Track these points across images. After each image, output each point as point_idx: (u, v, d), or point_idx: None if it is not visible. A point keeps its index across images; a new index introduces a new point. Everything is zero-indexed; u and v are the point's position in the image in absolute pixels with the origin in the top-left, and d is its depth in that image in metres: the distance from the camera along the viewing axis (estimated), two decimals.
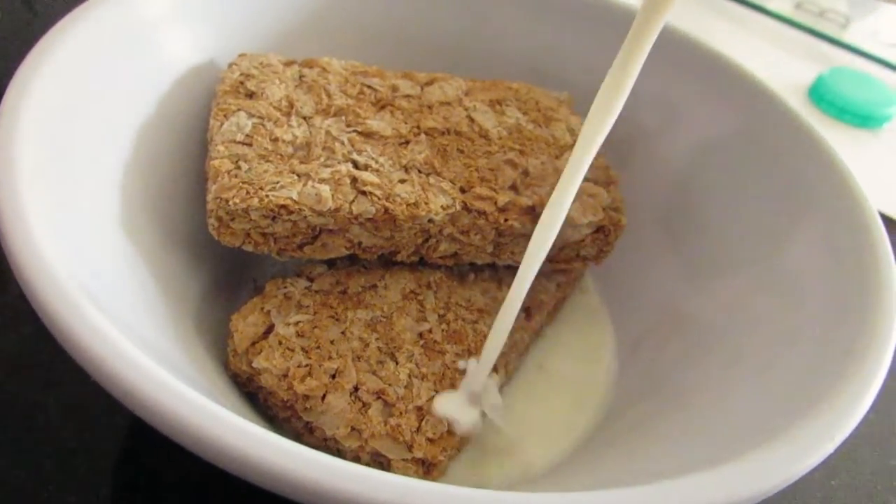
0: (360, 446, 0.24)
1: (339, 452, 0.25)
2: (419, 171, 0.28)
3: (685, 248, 0.32)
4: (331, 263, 0.29)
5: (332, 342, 0.26)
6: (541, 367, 0.31)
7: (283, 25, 0.33)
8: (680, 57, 0.33)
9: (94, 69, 0.26)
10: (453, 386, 0.26)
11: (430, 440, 0.25)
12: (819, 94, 0.55)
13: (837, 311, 0.23)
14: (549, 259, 0.29)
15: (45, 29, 0.25)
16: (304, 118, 0.28)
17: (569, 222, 0.28)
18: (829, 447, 0.19)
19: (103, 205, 0.24)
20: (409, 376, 0.26)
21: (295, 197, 0.25)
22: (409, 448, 0.24)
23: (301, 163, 0.26)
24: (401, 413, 0.25)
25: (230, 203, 0.25)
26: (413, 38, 0.36)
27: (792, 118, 0.30)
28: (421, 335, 0.27)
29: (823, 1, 0.66)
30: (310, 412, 0.25)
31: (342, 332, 0.26)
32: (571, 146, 0.31)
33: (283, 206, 0.25)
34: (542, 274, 0.31)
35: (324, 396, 0.25)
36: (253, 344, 0.26)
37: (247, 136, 0.27)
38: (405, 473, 0.24)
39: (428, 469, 0.25)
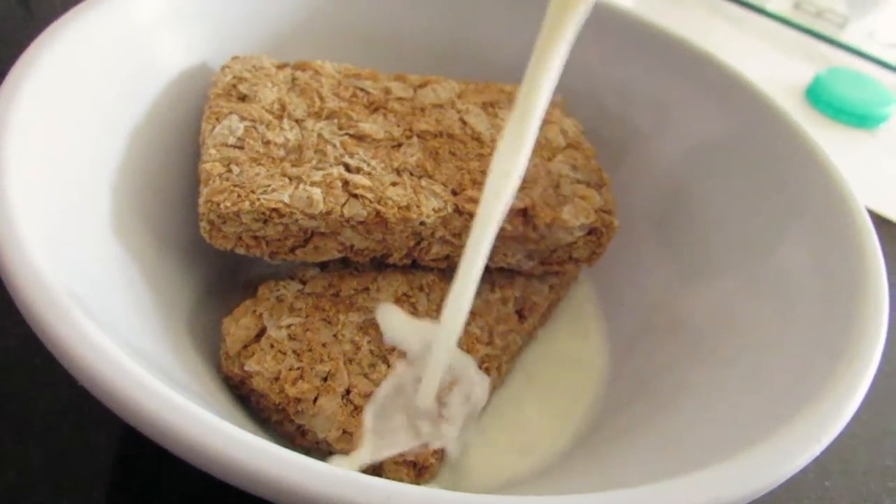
0: (351, 449, 0.24)
1: (331, 455, 0.25)
2: (411, 174, 0.28)
3: (677, 250, 0.32)
4: (323, 266, 0.29)
5: (324, 345, 0.26)
6: (532, 370, 0.31)
7: (276, 28, 0.33)
8: (672, 59, 0.33)
9: (86, 72, 0.26)
10: (449, 390, 0.26)
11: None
12: (816, 95, 0.55)
13: (826, 313, 0.23)
14: (542, 261, 0.30)
15: (42, 29, 0.25)
16: (297, 121, 0.28)
17: (561, 225, 0.28)
18: (816, 449, 0.19)
19: (94, 208, 0.24)
20: None
21: (286, 200, 0.25)
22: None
23: (293, 166, 0.26)
24: None
25: (221, 206, 0.25)
26: (406, 41, 0.36)
27: (784, 121, 0.30)
28: None
29: (821, 1, 0.65)
30: (301, 415, 0.25)
31: (334, 335, 0.26)
32: (565, 148, 0.31)
33: (275, 210, 0.25)
34: (535, 276, 0.31)
35: (315, 399, 0.25)
36: (245, 347, 0.26)
37: (239, 139, 0.27)
38: (397, 476, 0.25)
39: (419, 472, 0.25)
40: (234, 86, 0.29)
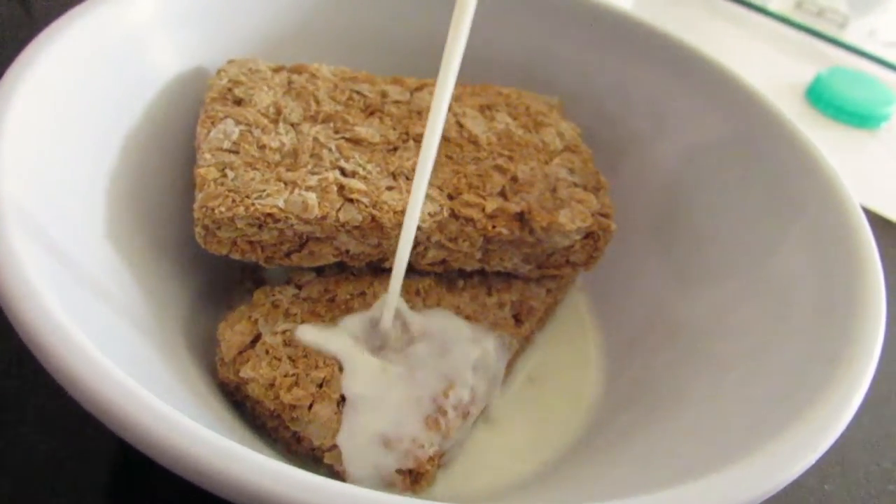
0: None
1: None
2: (407, 178, 0.27)
3: (674, 254, 0.32)
4: (319, 270, 0.28)
5: (319, 351, 0.26)
6: (529, 375, 0.30)
7: (272, 30, 0.33)
8: (671, 62, 0.33)
9: (82, 76, 0.26)
10: (444, 396, 0.26)
11: None
12: (817, 94, 0.55)
13: (823, 319, 0.23)
14: (539, 265, 0.29)
15: (42, 30, 0.25)
16: (292, 125, 0.28)
17: (558, 228, 0.28)
18: (813, 457, 0.19)
19: (88, 212, 0.24)
20: None
21: (281, 205, 0.25)
22: (397, 458, 0.24)
23: (288, 170, 0.26)
24: None
25: (216, 212, 0.25)
26: (403, 43, 0.35)
27: (783, 125, 0.30)
28: None
29: (823, 0, 0.65)
30: (297, 422, 0.25)
31: None
32: (562, 151, 0.31)
33: (270, 215, 0.25)
34: (532, 280, 0.31)
35: (311, 406, 0.25)
36: (240, 353, 0.26)
37: (234, 143, 0.27)
38: (393, 483, 0.24)
39: (416, 479, 0.25)
40: (230, 89, 0.29)
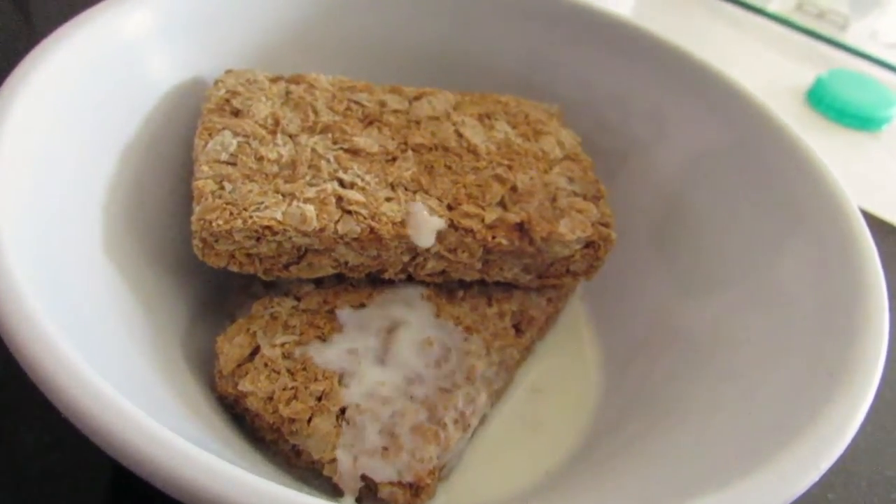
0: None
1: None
2: (406, 189, 0.27)
3: (675, 262, 0.31)
4: (318, 282, 0.28)
5: (318, 363, 0.26)
6: (530, 385, 0.30)
7: (270, 40, 0.33)
8: (671, 69, 0.33)
9: (79, 88, 0.25)
10: (444, 408, 0.26)
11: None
12: (818, 97, 0.54)
13: (826, 329, 0.23)
14: (539, 275, 0.29)
15: (40, 40, 0.25)
16: (290, 136, 0.28)
17: (558, 238, 0.27)
18: (815, 475, 0.18)
19: (85, 225, 0.24)
20: None
21: (279, 217, 0.25)
22: (397, 471, 0.24)
23: (286, 182, 0.26)
24: None
25: (213, 225, 0.25)
26: (401, 52, 0.35)
27: (783, 132, 0.29)
28: None
29: (823, 1, 0.65)
30: (296, 435, 0.25)
31: None
32: (562, 160, 0.31)
33: (268, 227, 0.25)
34: (533, 290, 0.31)
35: (310, 419, 0.24)
36: (239, 366, 0.26)
37: (231, 155, 0.27)
38: (393, 497, 0.24)
39: (416, 492, 0.24)
40: (228, 100, 0.29)
